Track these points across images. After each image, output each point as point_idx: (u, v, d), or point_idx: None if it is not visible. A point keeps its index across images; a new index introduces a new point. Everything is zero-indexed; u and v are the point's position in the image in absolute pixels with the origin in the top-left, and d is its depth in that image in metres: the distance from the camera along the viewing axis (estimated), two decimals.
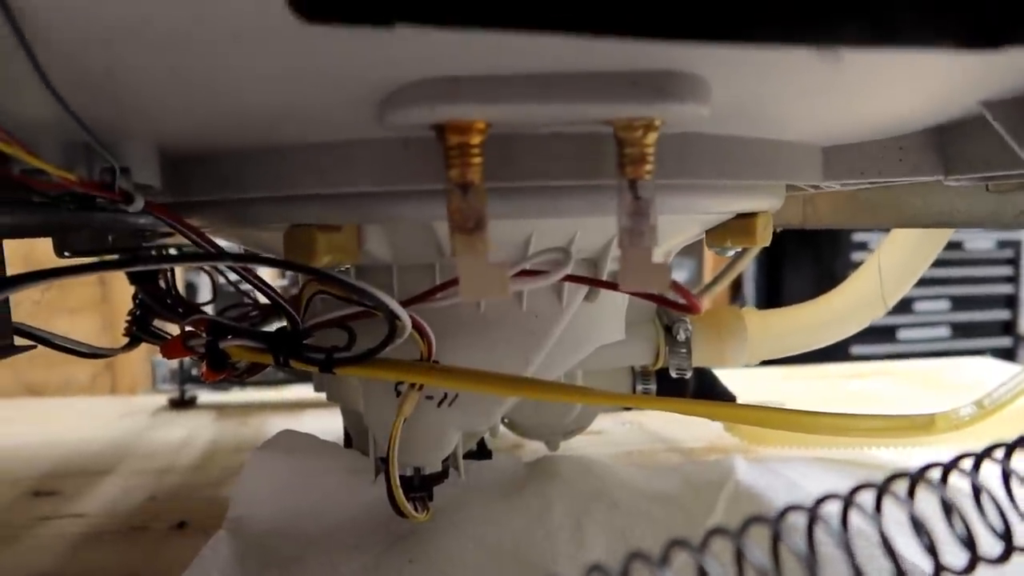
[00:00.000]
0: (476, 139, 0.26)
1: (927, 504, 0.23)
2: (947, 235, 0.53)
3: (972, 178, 0.36)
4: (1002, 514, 0.23)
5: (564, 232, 0.34)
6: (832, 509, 0.21)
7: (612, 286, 0.33)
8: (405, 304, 0.33)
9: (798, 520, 0.22)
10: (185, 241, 0.32)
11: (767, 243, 0.40)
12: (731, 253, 0.43)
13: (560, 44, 0.20)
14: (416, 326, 0.33)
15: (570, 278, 0.33)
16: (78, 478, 0.61)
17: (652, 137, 0.26)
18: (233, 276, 0.57)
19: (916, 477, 0.24)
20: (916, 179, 0.37)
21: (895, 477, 0.23)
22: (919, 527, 0.22)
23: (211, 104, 0.25)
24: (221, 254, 0.31)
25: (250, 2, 0.18)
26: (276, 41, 0.20)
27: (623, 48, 0.23)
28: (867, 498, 0.21)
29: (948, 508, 0.23)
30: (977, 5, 0.17)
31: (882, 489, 0.23)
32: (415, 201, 0.31)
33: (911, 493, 0.24)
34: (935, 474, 0.24)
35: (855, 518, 0.22)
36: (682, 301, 0.29)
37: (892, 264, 0.53)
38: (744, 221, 0.39)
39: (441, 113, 0.24)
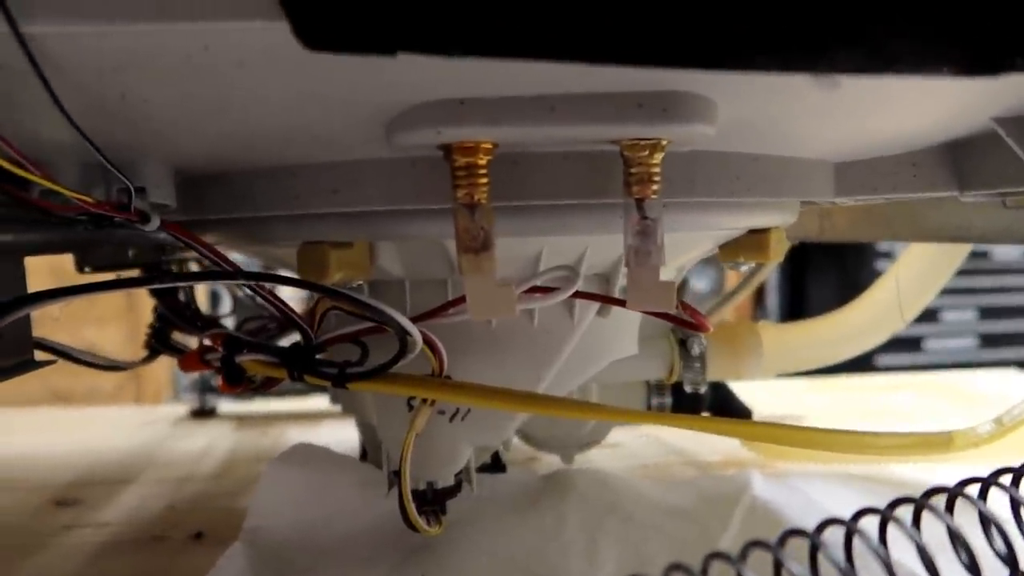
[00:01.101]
0: (483, 159, 0.26)
1: (965, 519, 0.23)
2: (966, 249, 0.52)
3: (988, 194, 0.35)
4: None
5: (574, 249, 0.34)
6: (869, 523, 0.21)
7: (620, 303, 0.33)
8: (417, 320, 0.33)
9: (835, 534, 0.22)
10: None
11: (780, 258, 0.40)
12: (744, 268, 0.43)
13: (564, 68, 0.21)
14: (427, 342, 0.34)
15: (580, 295, 0.33)
16: (100, 487, 0.62)
17: (658, 157, 0.26)
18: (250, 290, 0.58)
19: (954, 492, 0.24)
20: (931, 195, 0.37)
21: (934, 492, 0.23)
22: (959, 542, 0.22)
23: (222, 127, 0.25)
24: (236, 272, 0.31)
25: (255, 32, 0.19)
26: (282, 68, 0.21)
27: (627, 70, 0.23)
28: (905, 513, 0.21)
29: (987, 523, 0.22)
30: (976, 32, 0.17)
31: (920, 504, 0.23)
32: (425, 219, 0.31)
33: (949, 508, 0.23)
34: (973, 490, 0.23)
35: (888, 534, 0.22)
36: (690, 319, 0.29)
37: (910, 278, 0.52)
38: (757, 236, 0.39)
39: (447, 135, 0.24)
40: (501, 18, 0.18)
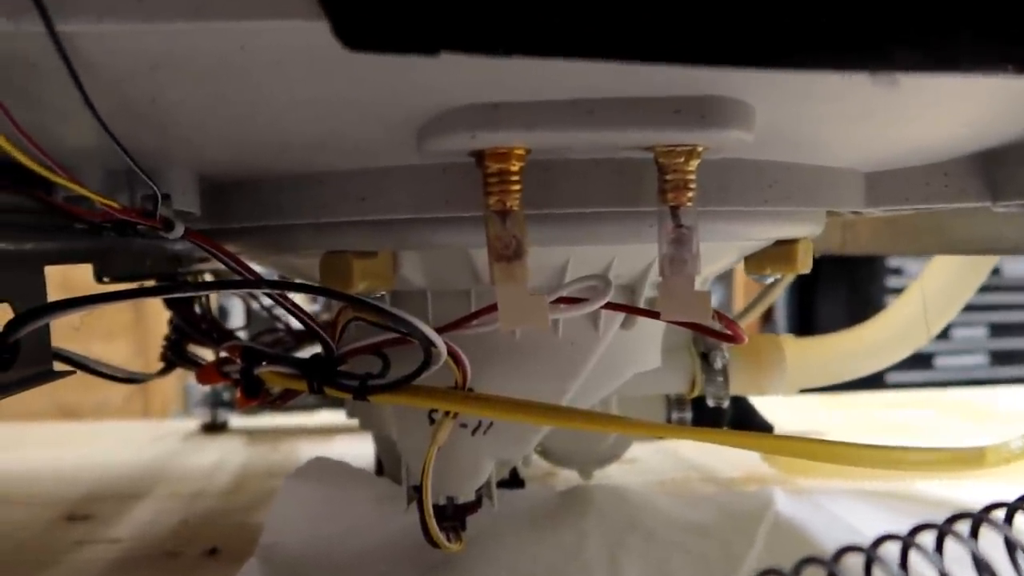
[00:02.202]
0: (516, 166, 0.25)
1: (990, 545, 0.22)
2: (992, 261, 0.51)
3: (1022, 204, 0.35)
4: None
5: (601, 258, 0.34)
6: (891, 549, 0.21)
7: (652, 314, 0.33)
8: (440, 331, 0.32)
9: (855, 561, 0.21)
10: (220, 266, 0.32)
11: (807, 269, 0.39)
12: (769, 280, 0.42)
13: (602, 70, 0.20)
14: (451, 353, 0.33)
15: (611, 306, 0.32)
16: (112, 502, 0.61)
17: (694, 163, 0.26)
18: (267, 301, 0.57)
19: (979, 518, 0.23)
20: (963, 205, 0.36)
21: (958, 518, 0.22)
22: (983, 568, 0.21)
23: (252, 132, 0.25)
24: (259, 281, 0.31)
25: (294, 32, 0.18)
26: (318, 69, 0.20)
27: (666, 74, 0.22)
28: (928, 539, 0.21)
29: (1013, 548, 0.22)
30: None
31: (944, 530, 0.22)
32: (452, 227, 0.31)
33: (974, 533, 0.23)
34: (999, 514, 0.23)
35: (913, 558, 0.21)
36: (726, 331, 0.28)
37: (935, 291, 0.52)
38: (784, 247, 0.39)
39: (481, 140, 0.24)
40: (543, 17, 0.17)
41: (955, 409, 0.94)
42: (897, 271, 2.00)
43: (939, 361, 2.06)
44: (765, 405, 0.57)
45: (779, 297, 2.11)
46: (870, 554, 0.22)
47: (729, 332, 0.28)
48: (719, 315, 0.28)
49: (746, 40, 0.16)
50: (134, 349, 1.65)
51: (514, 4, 0.17)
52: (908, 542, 0.22)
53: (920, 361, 2.02)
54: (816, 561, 0.21)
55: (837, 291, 2.10)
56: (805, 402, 0.94)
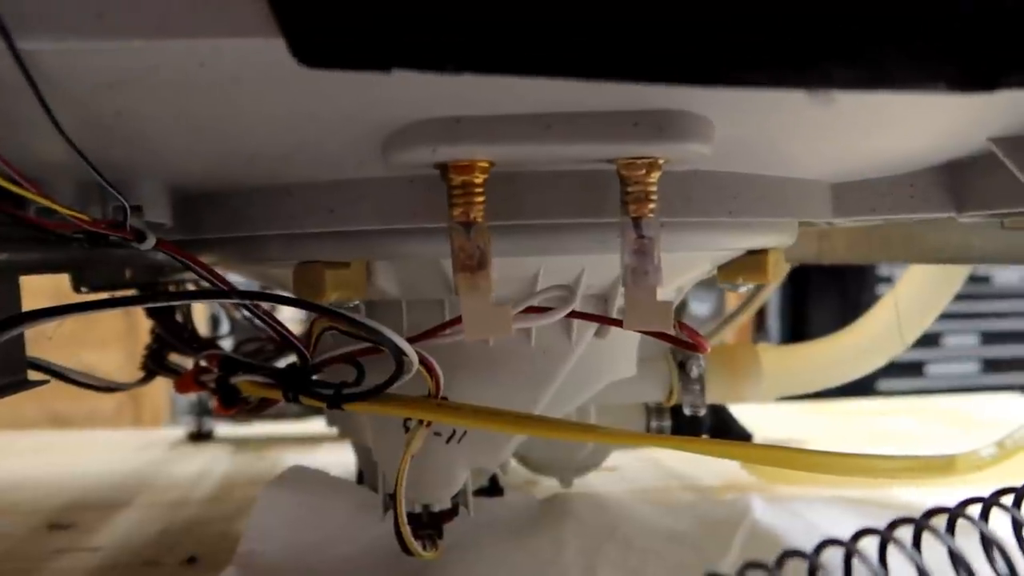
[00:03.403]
0: (479, 178, 0.26)
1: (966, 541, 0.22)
2: (965, 271, 0.52)
3: (985, 215, 0.35)
4: None
5: (571, 269, 0.34)
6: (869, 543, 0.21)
7: (618, 323, 0.33)
8: (413, 340, 0.33)
9: (835, 556, 0.22)
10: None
11: (778, 280, 0.40)
12: (743, 289, 0.43)
13: (560, 85, 0.21)
14: (423, 362, 0.33)
15: (576, 315, 0.32)
16: (94, 511, 0.62)
17: (655, 176, 0.26)
18: (247, 310, 0.57)
19: (955, 513, 0.23)
20: (929, 215, 0.37)
21: (934, 512, 0.23)
22: (960, 563, 0.22)
23: (218, 145, 0.25)
24: (230, 291, 0.31)
25: (252, 49, 0.19)
26: (279, 84, 0.21)
27: (623, 88, 0.23)
28: (905, 534, 0.21)
29: (989, 545, 0.22)
30: (972, 48, 0.17)
31: (921, 525, 0.23)
32: (422, 238, 0.31)
33: (950, 529, 0.23)
34: (975, 510, 0.23)
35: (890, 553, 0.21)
36: (688, 339, 0.29)
37: (910, 300, 0.52)
38: (755, 257, 0.39)
39: (443, 154, 0.24)
40: (494, 34, 0.18)
41: (939, 417, 0.94)
42: (888, 279, 2.01)
43: (931, 369, 2.07)
44: (751, 413, 0.57)
45: (772, 305, 2.13)
46: (849, 548, 0.22)
47: (691, 341, 0.29)
48: (681, 324, 0.29)
49: (683, 58, 0.17)
50: (126, 357, 1.65)
51: (464, 23, 0.18)
52: (886, 536, 0.23)
53: (911, 369, 2.02)
54: (798, 555, 0.22)
55: (828, 299, 2.11)
56: (791, 409, 0.94)
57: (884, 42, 0.17)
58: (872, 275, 2.01)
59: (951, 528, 0.22)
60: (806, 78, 0.17)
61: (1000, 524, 0.22)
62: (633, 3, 0.16)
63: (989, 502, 0.22)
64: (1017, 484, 0.27)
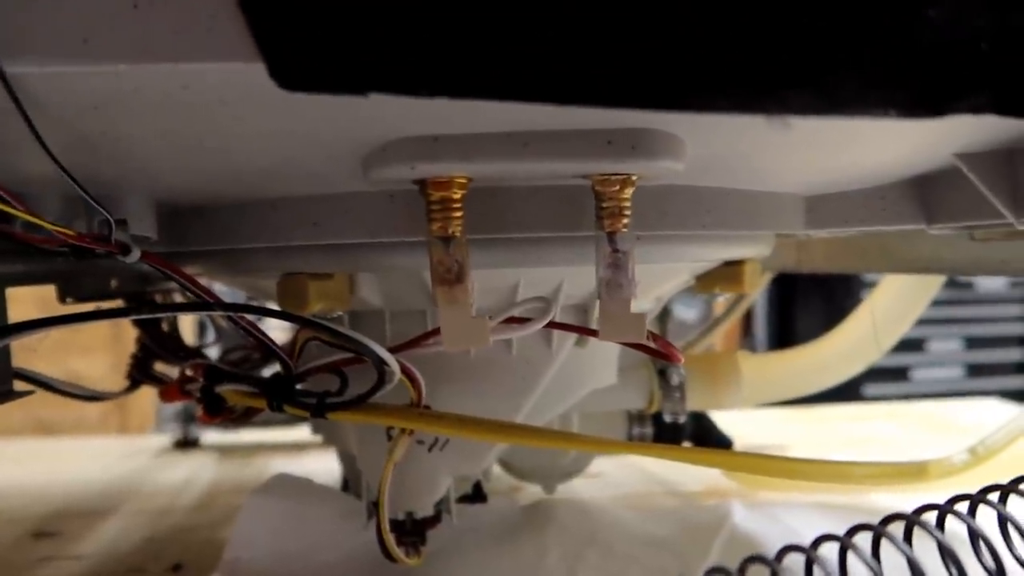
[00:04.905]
0: (457, 194, 0.27)
1: (923, 545, 0.23)
2: (939, 281, 0.53)
3: (953, 227, 0.36)
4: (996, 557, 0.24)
5: (551, 281, 0.35)
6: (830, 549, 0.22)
7: (591, 333, 0.34)
8: (396, 350, 0.33)
9: (796, 560, 0.22)
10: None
11: (755, 290, 0.41)
12: (721, 298, 0.44)
13: (534, 107, 0.21)
14: (405, 372, 0.34)
15: (555, 325, 0.33)
16: (79, 519, 0.62)
17: (629, 191, 0.27)
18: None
19: (912, 520, 0.24)
20: (900, 227, 0.38)
21: (893, 519, 0.24)
22: (915, 570, 0.22)
23: (202, 162, 0.26)
24: (214, 303, 0.31)
25: (234, 73, 0.19)
26: (260, 106, 0.21)
27: (597, 109, 0.24)
28: (864, 539, 0.22)
29: (945, 551, 0.23)
30: (918, 75, 0.18)
31: (879, 531, 0.23)
32: (405, 251, 0.32)
33: (908, 536, 0.24)
34: (931, 516, 0.24)
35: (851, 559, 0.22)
36: (661, 350, 0.30)
37: (886, 308, 0.53)
38: (732, 268, 0.40)
39: (421, 170, 0.25)
40: (466, 60, 0.19)
41: (919, 422, 0.95)
42: (873, 286, 2.01)
43: (916, 374, 2.08)
44: (734, 420, 0.58)
45: (759, 312, 2.14)
46: (809, 554, 0.23)
47: (663, 351, 0.30)
48: (654, 335, 0.29)
49: (646, 85, 0.17)
50: (112, 365, 1.64)
51: (437, 49, 0.18)
52: (845, 542, 0.23)
53: (896, 374, 2.04)
54: (761, 560, 0.23)
55: (815, 306, 2.13)
56: (774, 415, 0.95)
57: (839, 71, 0.18)
58: (857, 282, 2.03)
59: (908, 534, 0.23)
60: (764, 104, 0.18)
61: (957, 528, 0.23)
62: (598, 33, 0.17)
63: (944, 509, 0.23)
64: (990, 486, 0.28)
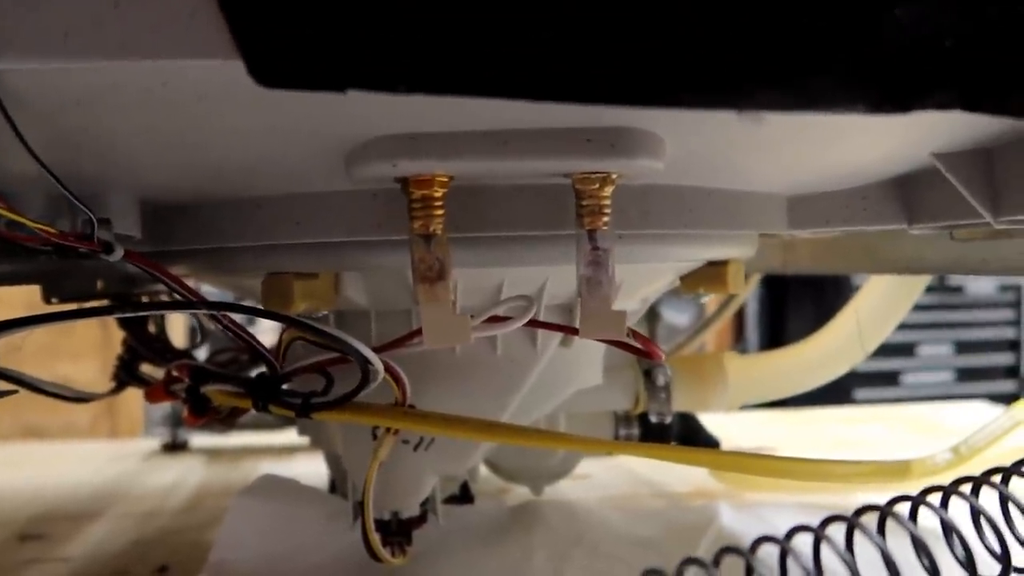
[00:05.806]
0: (439, 192, 0.27)
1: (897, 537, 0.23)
2: (923, 282, 0.53)
3: (934, 226, 0.37)
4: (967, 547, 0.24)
5: (535, 279, 0.35)
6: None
7: (572, 331, 0.34)
8: (381, 349, 0.33)
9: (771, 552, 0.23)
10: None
11: (739, 290, 0.41)
12: (705, 299, 0.44)
13: (514, 104, 0.22)
14: (389, 371, 0.34)
15: (537, 324, 0.33)
16: (65, 522, 0.61)
17: (608, 190, 0.27)
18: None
19: (885, 511, 0.24)
20: (881, 227, 0.38)
21: (866, 510, 0.24)
22: (889, 563, 0.23)
23: (184, 159, 0.26)
24: (198, 302, 0.31)
25: (213, 70, 0.19)
26: (241, 102, 0.21)
27: (577, 107, 0.24)
28: (838, 530, 0.22)
29: (916, 542, 0.23)
30: (887, 71, 0.18)
31: (852, 522, 0.24)
32: (388, 250, 0.32)
33: (881, 527, 0.24)
34: (904, 508, 0.24)
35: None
36: (642, 348, 0.30)
37: (870, 309, 0.53)
38: (716, 269, 0.40)
39: (402, 168, 0.25)
40: (445, 56, 0.19)
41: (907, 424, 0.96)
42: None
43: (906, 378, 2.09)
44: (722, 423, 0.58)
45: (751, 313, 2.14)
46: (783, 545, 0.23)
47: (644, 349, 0.30)
48: (635, 333, 0.30)
49: (619, 81, 0.18)
50: (101, 369, 1.64)
51: (414, 45, 0.19)
52: (819, 534, 0.24)
53: (887, 378, 2.05)
54: (735, 552, 0.23)
55: (806, 307, 2.13)
56: (762, 417, 0.96)
57: (806, 66, 0.18)
58: (848, 283, 2.03)
59: (882, 525, 0.23)
60: (734, 100, 0.18)
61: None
62: (569, 29, 0.17)
63: (917, 500, 0.23)
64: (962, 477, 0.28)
